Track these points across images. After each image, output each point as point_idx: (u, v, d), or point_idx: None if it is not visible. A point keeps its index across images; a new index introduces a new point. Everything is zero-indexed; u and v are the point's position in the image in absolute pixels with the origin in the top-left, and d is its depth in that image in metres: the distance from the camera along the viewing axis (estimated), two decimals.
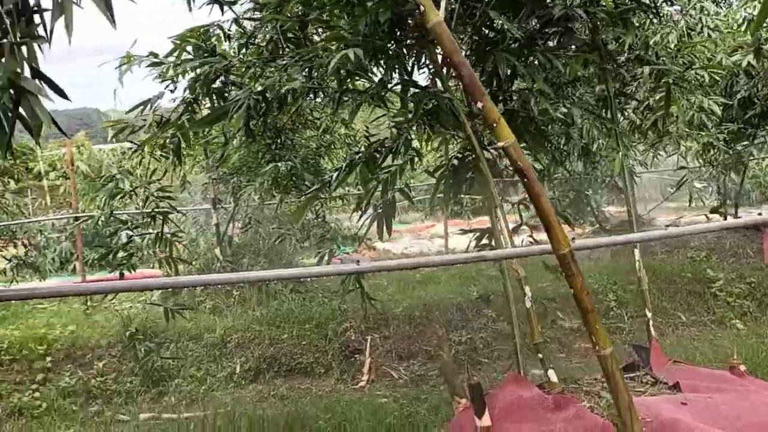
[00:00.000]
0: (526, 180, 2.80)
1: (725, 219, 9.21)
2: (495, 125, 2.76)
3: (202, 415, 5.77)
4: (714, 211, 7.46)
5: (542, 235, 5.29)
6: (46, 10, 1.88)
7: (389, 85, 4.45)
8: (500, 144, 2.77)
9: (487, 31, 5.01)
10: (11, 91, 1.80)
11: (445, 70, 4.69)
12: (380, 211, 4.81)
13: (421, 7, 2.69)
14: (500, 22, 4.49)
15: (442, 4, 2.74)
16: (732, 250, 9.88)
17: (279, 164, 7.51)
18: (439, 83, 4.81)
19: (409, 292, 9.09)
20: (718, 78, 8.55)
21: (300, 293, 8.78)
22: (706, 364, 5.36)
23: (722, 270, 9.00)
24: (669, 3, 5.94)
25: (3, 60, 1.82)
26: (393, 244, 13.19)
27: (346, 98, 4.38)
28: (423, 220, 17.50)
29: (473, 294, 8.43)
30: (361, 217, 4.66)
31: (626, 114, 8.32)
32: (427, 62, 4.88)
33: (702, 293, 8.59)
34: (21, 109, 1.86)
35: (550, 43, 5.14)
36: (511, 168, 5.72)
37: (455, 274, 9.58)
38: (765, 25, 9.15)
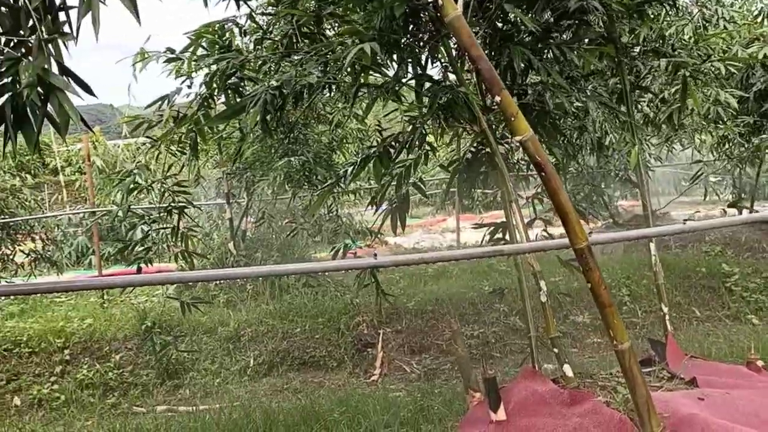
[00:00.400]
0: (544, 174, 2.80)
1: (741, 213, 9.14)
2: (513, 119, 2.76)
3: (218, 407, 5.81)
4: (732, 205, 7.40)
5: (556, 230, 5.29)
6: (72, 7, 1.90)
7: (404, 80, 4.45)
8: (518, 137, 2.77)
9: (501, 25, 4.99)
10: (39, 89, 1.82)
11: (459, 64, 4.69)
12: (395, 205, 4.82)
13: (439, 1, 2.69)
14: (514, 15, 4.47)
15: None
16: (747, 245, 9.80)
17: (292, 159, 7.56)
18: (451, 77, 4.81)
19: (421, 287, 9.10)
20: (734, 70, 8.49)
21: (312, 287, 8.82)
22: (722, 360, 5.33)
23: (738, 265, 8.94)
24: None
25: (30, 58, 1.85)
26: (404, 239, 13.19)
27: (361, 93, 4.38)
28: (434, 215, 17.53)
29: (485, 288, 8.43)
30: (376, 211, 4.67)
31: (640, 107, 8.28)
32: (440, 56, 4.87)
33: (717, 288, 8.54)
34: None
35: (565, 36, 5.11)
36: (523, 162, 5.74)
37: (466, 269, 9.59)
38: None
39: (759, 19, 9.06)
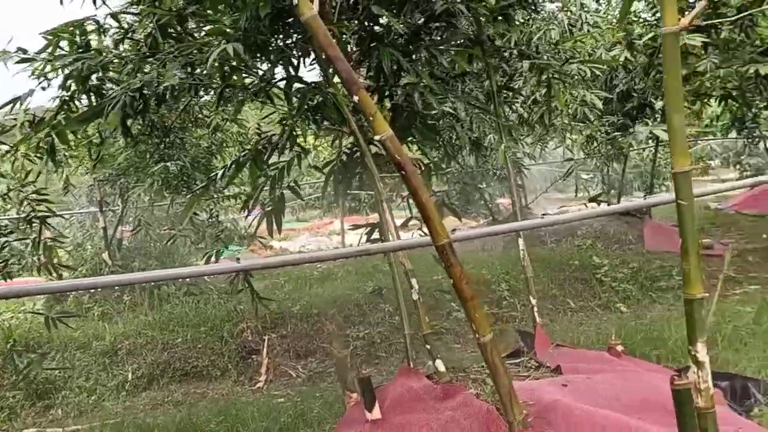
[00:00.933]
0: (404, 173, 2.82)
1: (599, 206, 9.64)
2: (372, 118, 2.77)
3: (88, 426, 5.52)
4: (592, 200, 7.80)
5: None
6: None
7: (273, 81, 4.39)
8: (377, 137, 2.78)
9: (373, 26, 5.03)
10: None
11: (329, 65, 4.68)
12: (269, 208, 4.76)
13: (294, 0, 2.66)
14: (382, 16, 4.52)
15: None
16: (615, 237, 10.35)
17: (168, 164, 7.33)
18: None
19: (306, 290, 9.04)
20: (599, 72, 8.99)
21: (194, 295, 8.56)
22: (589, 347, 5.60)
23: (607, 257, 9.42)
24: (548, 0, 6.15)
25: None
26: (290, 243, 13.09)
27: (228, 94, 4.28)
28: (321, 218, 17.51)
29: (369, 289, 8.48)
30: (247, 216, 4.58)
31: (515, 108, 8.60)
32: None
33: (589, 279, 8.95)
34: None
35: (436, 38, 5.21)
36: None
37: (352, 271, 9.61)
38: (639, 20, 9.71)
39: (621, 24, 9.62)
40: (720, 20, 7.54)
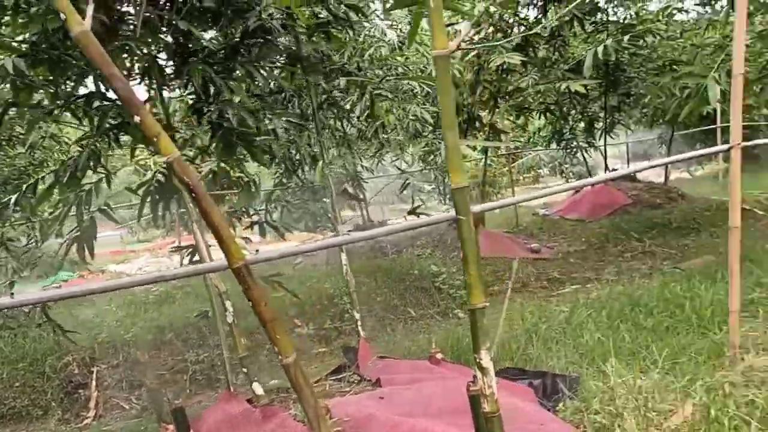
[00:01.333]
0: (194, 195, 2.72)
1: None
2: (156, 140, 2.65)
3: None
4: (411, 212, 8.04)
5: (269, 246, 5.25)
6: None
7: (71, 99, 4.12)
8: (163, 159, 2.66)
9: (186, 41, 4.87)
10: None
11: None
12: (78, 233, 4.47)
13: (61, 15, 2.49)
14: (189, 30, 4.38)
15: (89, 12, 2.54)
16: (453, 245, 10.70)
17: None
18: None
19: (141, 315, 8.61)
20: (428, 90, 9.31)
21: (11, 329, 7.85)
22: (420, 356, 5.69)
23: (445, 264, 9.71)
24: (364, 18, 6.25)
25: None
26: (129, 265, 12.43)
27: (13, 112, 3.97)
28: (164, 237, 16.83)
29: (195, 313, 8.20)
30: (43, 243, 4.27)
31: (353, 123, 8.71)
32: None
33: (428, 288, 9.16)
34: None
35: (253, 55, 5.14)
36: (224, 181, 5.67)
37: (190, 292, 9.27)
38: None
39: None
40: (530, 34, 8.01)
